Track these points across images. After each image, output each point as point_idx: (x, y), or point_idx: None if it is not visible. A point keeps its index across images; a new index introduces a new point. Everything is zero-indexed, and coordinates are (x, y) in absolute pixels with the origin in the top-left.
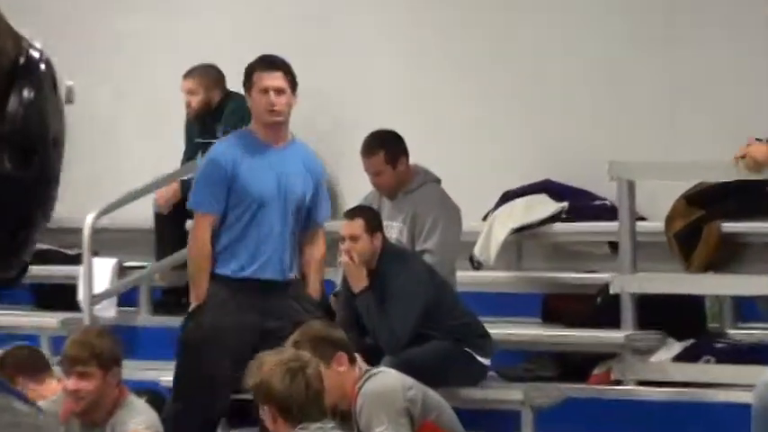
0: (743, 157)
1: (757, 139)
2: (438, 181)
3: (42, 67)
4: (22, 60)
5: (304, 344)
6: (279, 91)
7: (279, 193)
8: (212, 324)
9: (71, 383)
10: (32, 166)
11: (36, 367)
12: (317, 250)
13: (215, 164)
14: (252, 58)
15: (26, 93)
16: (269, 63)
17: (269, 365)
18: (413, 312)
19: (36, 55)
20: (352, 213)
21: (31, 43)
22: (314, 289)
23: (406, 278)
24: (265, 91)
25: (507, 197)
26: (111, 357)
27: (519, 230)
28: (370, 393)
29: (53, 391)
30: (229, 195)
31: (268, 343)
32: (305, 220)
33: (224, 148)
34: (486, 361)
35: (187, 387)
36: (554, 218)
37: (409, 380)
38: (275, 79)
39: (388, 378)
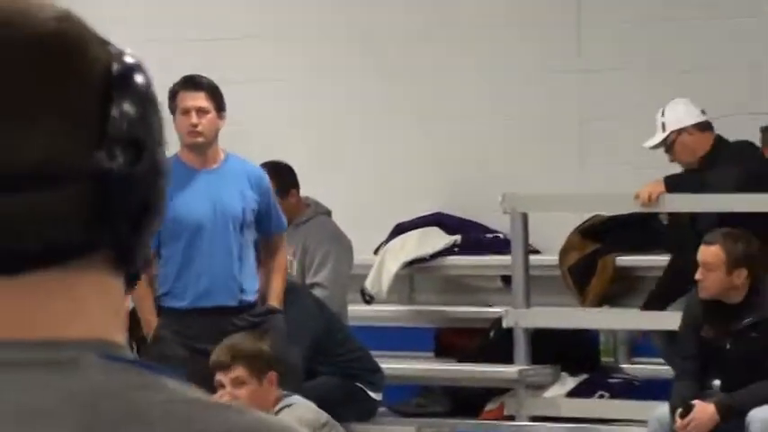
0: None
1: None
2: (329, 213)
3: (137, 69)
4: (115, 66)
5: (239, 360)
6: (201, 111)
7: (216, 218)
8: (165, 355)
9: None
10: (143, 161)
11: None
12: (275, 260)
13: None
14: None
15: (132, 97)
16: (192, 84)
17: None
18: (302, 347)
19: (129, 60)
20: None
21: (120, 49)
22: (275, 297)
23: (295, 312)
24: (187, 111)
25: (400, 230)
26: None
27: (411, 263)
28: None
29: None
30: (162, 229)
31: None
32: (262, 233)
33: None
34: (377, 396)
35: None
36: (447, 251)
37: (324, 416)
38: (197, 99)
39: (306, 413)
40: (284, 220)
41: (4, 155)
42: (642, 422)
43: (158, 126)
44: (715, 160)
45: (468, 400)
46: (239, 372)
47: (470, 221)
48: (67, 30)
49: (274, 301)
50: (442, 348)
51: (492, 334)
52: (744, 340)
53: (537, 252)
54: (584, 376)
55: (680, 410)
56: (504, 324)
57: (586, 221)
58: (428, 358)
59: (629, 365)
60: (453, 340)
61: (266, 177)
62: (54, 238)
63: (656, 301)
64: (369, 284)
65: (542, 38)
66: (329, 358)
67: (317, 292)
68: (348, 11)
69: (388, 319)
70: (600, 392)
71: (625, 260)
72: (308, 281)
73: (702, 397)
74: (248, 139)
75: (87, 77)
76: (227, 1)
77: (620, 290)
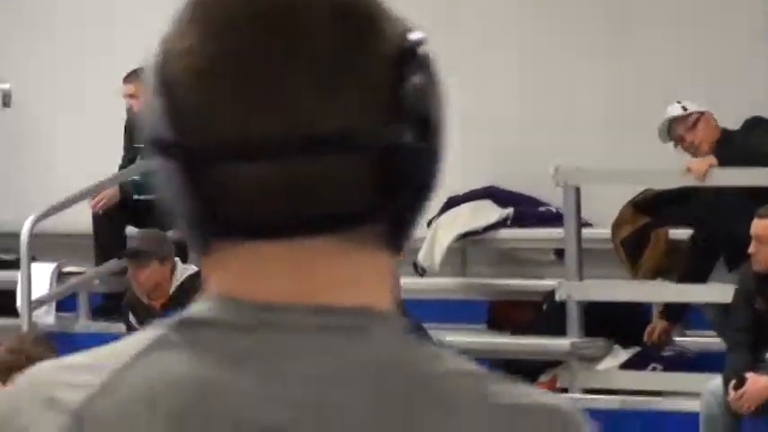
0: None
1: None
2: None
3: (424, 45)
4: (406, 41)
5: None
6: None
7: None
8: None
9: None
10: (430, 138)
11: None
12: None
13: None
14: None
15: (421, 72)
16: None
17: None
18: None
19: (417, 36)
20: None
21: (406, 25)
22: None
23: None
24: None
25: (452, 203)
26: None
27: (464, 236)
28: None
29: None
30: None
31: None
32: None
33: None
34: None
35: None
36: (499, 224)
37: None
38: None
39: None
40: None
41: (310, 118)
42: (695, 395)
43: (442, 104)
44: (731, 138)
45: (520, 373)
46: None
47: (522, 195)
48: (362, 2)
49: None
50: (494, 321)
51: (545, 307)
52: None
53: (589, 225)
54: (637, 349)
55: (733, 382)
56: (557, 297)
57: (639, 195)
58: (481, 331)
59: (682, 338)
60: (506, 313)
61: None
62: (343, 206)
63: (691, 275)
64: (421, 257)
65: (593, 15)
66: None
67: None
68: None
69: (440, 292)
70: (652, 365)
71: (677, 233)
72: None
73: (755, 369)
74: None
75: (383, 49)
76: None
77: (672, 263)
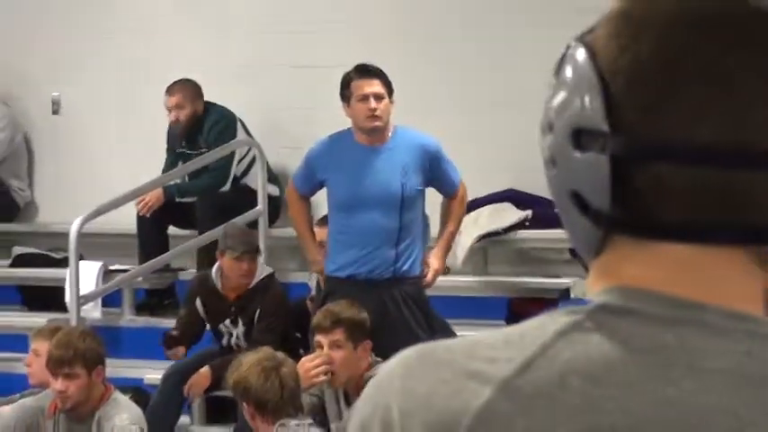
0: None
1: None
2: None
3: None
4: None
5: (339, 324)
6: (378, 97)
7: (373, 193)
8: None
9: (58, 384)
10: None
11: None
12: (452, 213)
13: (307, 162)
14: (221, 69)
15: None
16: (367, 71)
17: (246, 365)
18: None
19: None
20: None
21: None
22: (440, 246)
23: None
24: (365, 98)
25: (474, 205)
26: (95, 357)
27: (485, 237)
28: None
29: None
30: (328, 196)
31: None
32: (443, 195)
33: (318, 154)
34: None
35: None
36: (518, 225)
37: None
38: (374, 86)
39: None
40: (457, 174)
41: (760, 128)
42: None
43: None
44: None
45: None
46: (339, 336)
47: (541, 197)
48: None
49: (439, 253)
50: (513, 317)
51: (560, 303)
52: None
53: None
54: None
55: None
56: (572, 294)
57: None
58: (500, 326)
59: None
60: (524, 309)
61: (433, 142)
62: (755, 221)
63: None
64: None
65: None
66: None
67: None
68: None
69: (463, 290)
70: None
71: None
72: None
73: None
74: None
75: None
76: None
77: None
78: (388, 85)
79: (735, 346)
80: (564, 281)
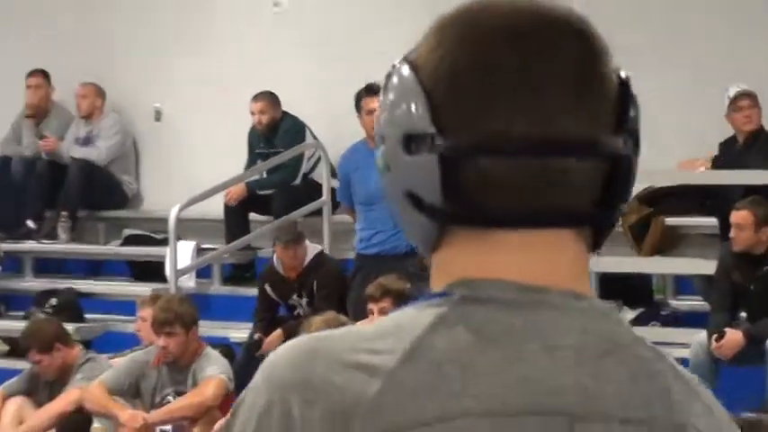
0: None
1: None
2: None
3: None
4: (622, 74)
5: (386, 295)
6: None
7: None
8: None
9: (161, 341)
10: (637, 153)
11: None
12: None
13: (339, 176)
14: (295, 83)
15: (633, 100)
16: (373, 91)
17: (315, 324)
18: None
19: (623, 74)
20: None
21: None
22: None
23: None
24: (371, 112)
25: None
26: (191, 319)
27: None
28: None
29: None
30: (353, 193)
31: None
32: None
33: (342, 159)
34: None
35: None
36: None
37: None
38: (377, 102)
39: None
40: None
41: (563, 124)
42: (686, 345)
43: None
44: (758, 136)
45: None
46: (386, 303)
47: None
48: (592, 26)
49: None
50: None
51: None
52: (764, 282)
53: None
54: (641, 309)
55: (715, 336)
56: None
57: (642, 190)
58: None
59: (675, 301)
60: None
61: None
62: (575, 205)
63: None
64: None
65: None
66: None
67: None
68: None
69: None
70: (653, 322)
71: (672, 221)
72: None
73: (732, 326)
74: None
75: (611, 70)
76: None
77: (668, 244)
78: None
79: (574, 323)
80: None
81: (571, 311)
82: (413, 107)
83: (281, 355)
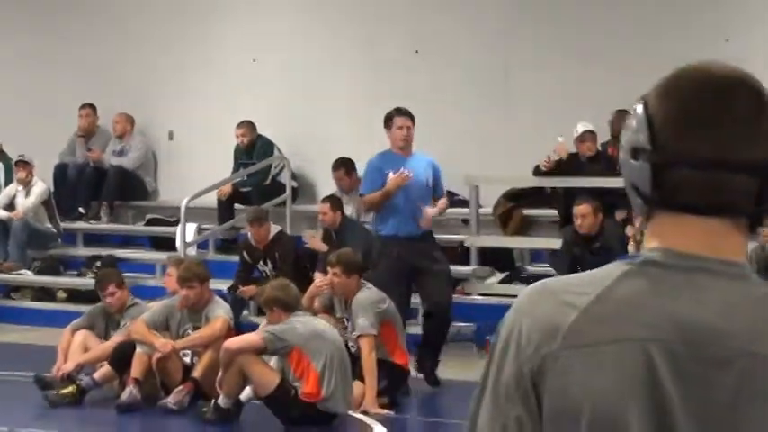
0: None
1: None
2: None
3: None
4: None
5: (337, 264)
6: (408, 129)
7: (411, 183)
8: (384, 263)
9: (183, 292)
10: None
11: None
12: (438, 208)
13: (371, 168)
14: (268, 114)
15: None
16: (402, 112)
17: (268, 287)
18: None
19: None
20: None
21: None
22: (435, 207)
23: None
24: (401, 128)
25: None
26: (204, 276)
27: None
28: (361, 298)
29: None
30: (382, 186)
31: (419, 272)
32: (433, 194)
33: (375, 160)
34: None
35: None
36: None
37: (383, 295)
38: (407, 122)
39: (372, 292)
40: (444, 189)
41: (738, 150)
42: None
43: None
44: (595, 157)
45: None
46: (337, 269)
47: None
48: (760, 85)
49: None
50: None
51: (459, 249)
52: (597, 253)
53: (482, 207)
54: (507, 273)
55: None
56: (466, 244)
57: (507, 190)
58: None
59: (531, 267)
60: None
61: (437, 163)
62: (739, 202)
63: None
64: None
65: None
66: None
67: None
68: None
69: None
70: (515, 282)
71: (527, 212)
72: None
73: None
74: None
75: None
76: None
77: (525, 228)
78: (413, 120)
79: (721, 282)
80: (461, 237)
81: (723, 274)
82: (640, 131)
83: (524, 293)
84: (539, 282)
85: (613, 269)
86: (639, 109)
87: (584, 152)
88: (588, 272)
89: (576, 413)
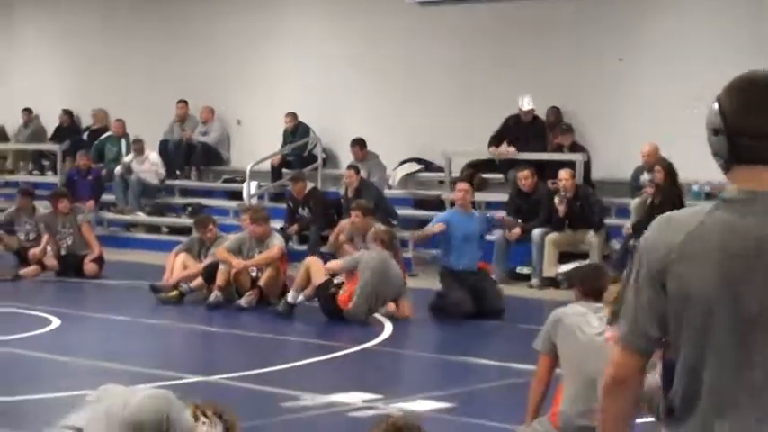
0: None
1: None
2: None
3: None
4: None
5: (357, 209)
6: (466, 192)
7: (470, 232)
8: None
9: (253, 227)
10: None
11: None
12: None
13: (440, 217)
14: (306, 105)
15: None
16: (463, 179)
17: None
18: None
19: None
20: None
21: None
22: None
23: None
24: (461, 191)
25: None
26: (267, 217)
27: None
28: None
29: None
30: (450, 233)
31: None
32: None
33: (444, 215)
34: None
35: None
36: (417, 172)
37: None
38: (464, 187)
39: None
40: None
41: None
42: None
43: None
44: (534, 122)
45: None
46: (357, 211)
47: (428, 161)
48: None
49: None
50: None
51: (437, 201)
52: (531, 205)
53: (452, 173)
54: None
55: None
56: (442, 197)
57: (471, 161)
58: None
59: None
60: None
61: (486, 216)
62: None
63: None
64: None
65: None
66: None
67: None
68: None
69: None
70: None
71: (485, 176)
72: None
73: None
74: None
75: None
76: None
77: (481, 186)
78: (471, 184)
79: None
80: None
81: None
82: (716, 117)
83: (653, 222)
84: (664, 214)
85: (706, 205)
86: (715, 104)
87: (524, 119)
88: (691, 207)
89: (686, 297)
